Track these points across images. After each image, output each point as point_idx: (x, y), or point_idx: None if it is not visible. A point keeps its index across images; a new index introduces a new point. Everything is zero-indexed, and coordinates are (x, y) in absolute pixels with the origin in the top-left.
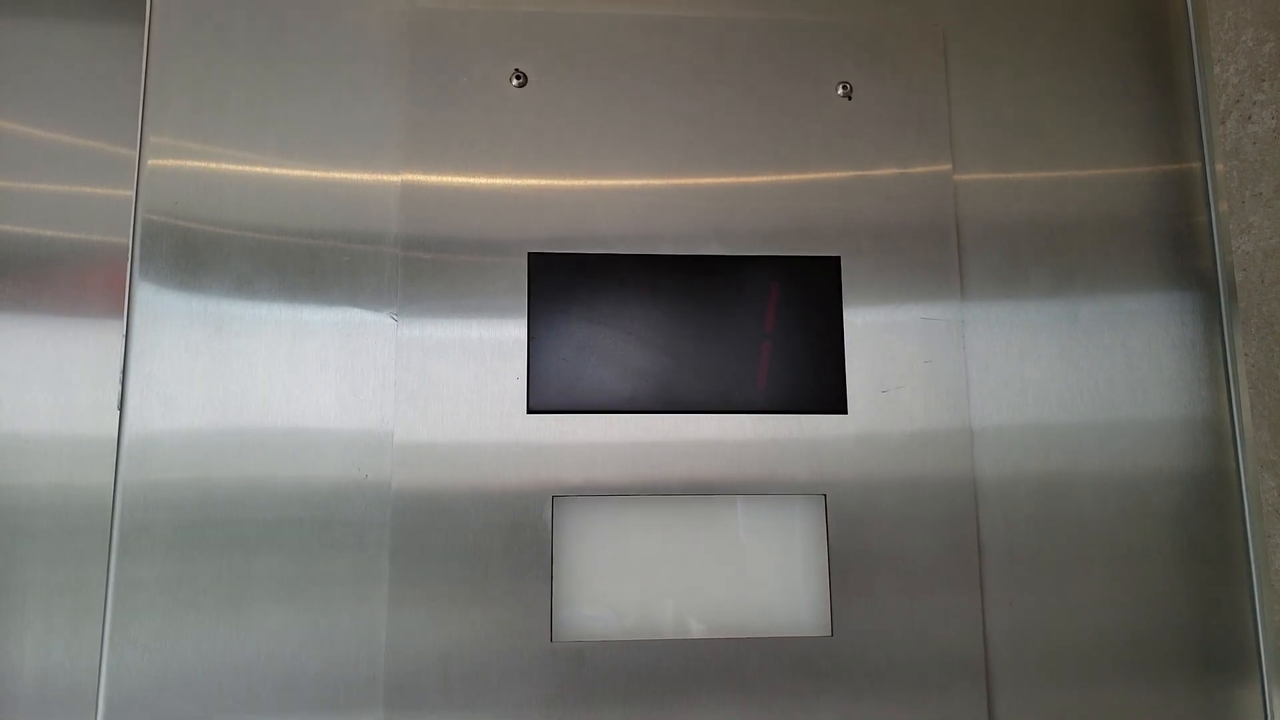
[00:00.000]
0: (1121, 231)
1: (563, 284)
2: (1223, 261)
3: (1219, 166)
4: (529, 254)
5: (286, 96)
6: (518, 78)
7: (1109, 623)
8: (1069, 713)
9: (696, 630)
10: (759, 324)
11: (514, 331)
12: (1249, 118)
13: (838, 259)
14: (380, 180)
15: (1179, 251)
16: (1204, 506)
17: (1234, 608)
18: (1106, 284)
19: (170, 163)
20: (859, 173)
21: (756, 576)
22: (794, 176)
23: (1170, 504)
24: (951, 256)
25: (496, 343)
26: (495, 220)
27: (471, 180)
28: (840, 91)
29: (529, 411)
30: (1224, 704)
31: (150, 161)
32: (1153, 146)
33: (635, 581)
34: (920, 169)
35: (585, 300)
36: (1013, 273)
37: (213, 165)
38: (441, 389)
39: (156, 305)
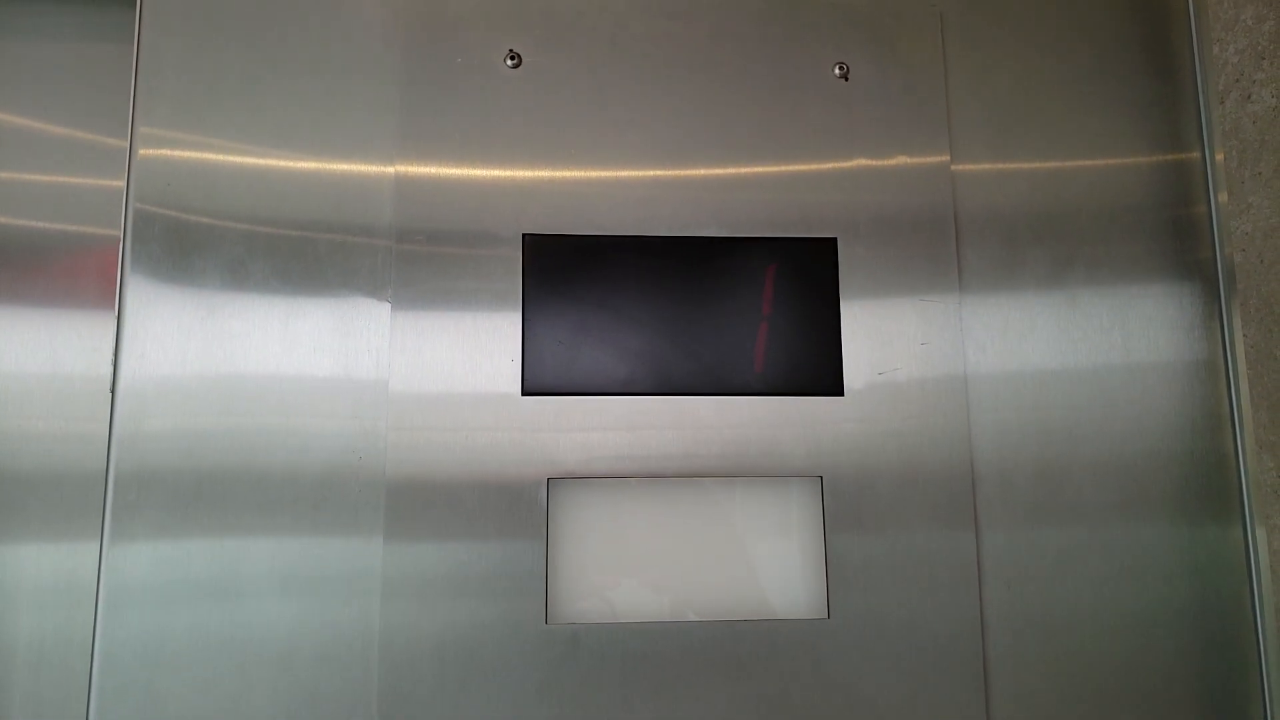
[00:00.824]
0: (1121, 220)
1: (558, 266)
2: (1222, 250)
3: (1219, 156)
4: (524, 235)
5: (279, 83)
6: (512, 58)
7: (1106, 605)
8: (1066, 695)
9: (692, 613)
10: (756, 306)
11: (509, 314)
12: (1249, 97)
13: (834, 240)
14: (374, 170)
15: (1178, 240)
16: (1202, 487)
17: (1233, 588)
18: (1105, 271)
19: (161, 152)
20: (856, 162)
21: (753, 559)
22: (791, 165)
23: (1168, 485)
24: (949, 244)
25: (491, 325)
26: (490, 206)
27: (466, 169)
28: (837, 72)
29: (524, 394)
30: (1224, 691)
31: (141, 151)
32: (1152, 134)
33: (631, 564)
34: (918, 159)
35: (581, 282)
36: (1011, 258)
37: (204, 155)
38: (436, 371)
39: (149, 291)
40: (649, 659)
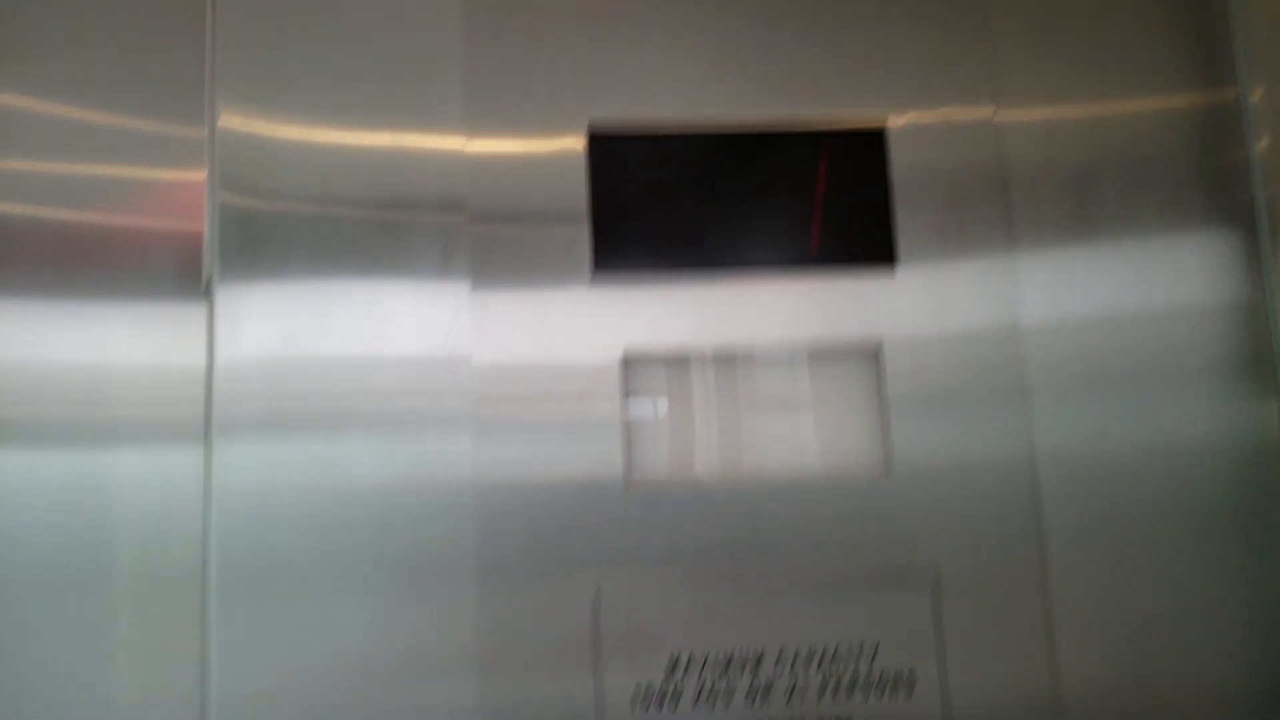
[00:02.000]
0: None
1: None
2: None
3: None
4: (590, 125)
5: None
6: None
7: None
8: (1127, 550)
9: (763, 474)
10: (810, 188)
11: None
12: None
13: (882, 131)
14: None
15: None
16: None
17: None
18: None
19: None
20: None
21: (817, 426)
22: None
23: (1216, 414)
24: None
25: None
26: (555, 92)
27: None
28: None
29: (594, 277)
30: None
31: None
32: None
33: (703, 434)
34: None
35: (649, 181)
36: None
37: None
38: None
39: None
40: (723, 517)
